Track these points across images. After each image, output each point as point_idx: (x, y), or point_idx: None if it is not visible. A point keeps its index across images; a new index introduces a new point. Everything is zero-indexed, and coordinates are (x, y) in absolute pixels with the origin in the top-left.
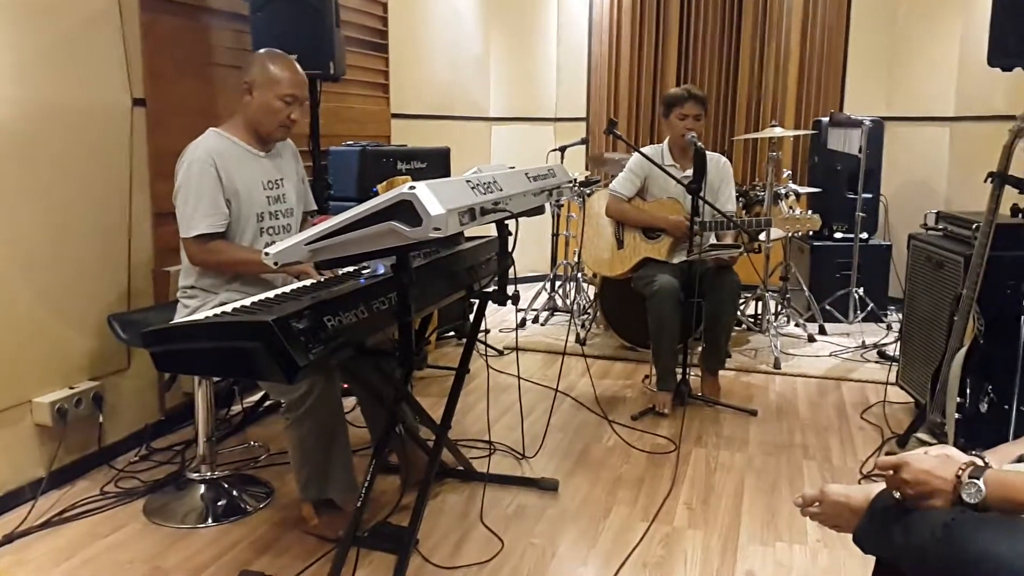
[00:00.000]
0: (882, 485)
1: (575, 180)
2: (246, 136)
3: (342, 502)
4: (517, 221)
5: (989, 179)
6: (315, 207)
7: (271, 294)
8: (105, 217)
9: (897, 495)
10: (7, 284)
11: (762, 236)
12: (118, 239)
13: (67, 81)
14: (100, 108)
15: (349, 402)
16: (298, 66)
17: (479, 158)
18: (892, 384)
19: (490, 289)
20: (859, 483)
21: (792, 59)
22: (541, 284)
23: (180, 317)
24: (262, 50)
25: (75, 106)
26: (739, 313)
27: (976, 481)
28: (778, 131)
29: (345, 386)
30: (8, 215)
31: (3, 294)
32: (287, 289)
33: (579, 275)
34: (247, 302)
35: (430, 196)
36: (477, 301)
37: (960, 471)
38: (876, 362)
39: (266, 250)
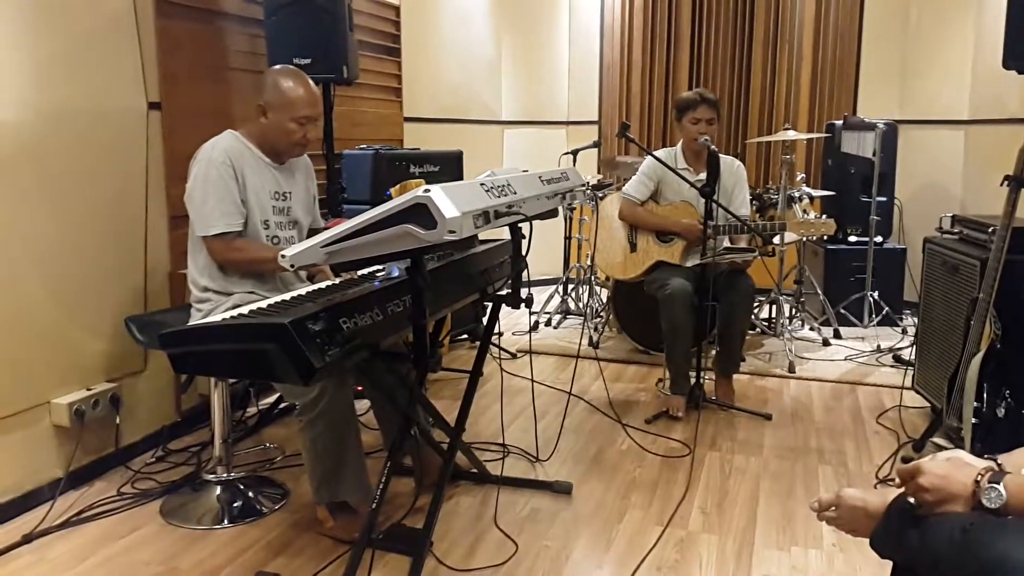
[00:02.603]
0: (899, 489)
1: (588, 183)
2: (261, 147)
3: (356, 504)
4: (531, 224)
5: (1005, 182)
6: (322, 225)
7: (287, 296)
8: (121, 220)
9: (912, 500)
10: (25, 286)
11: (776, 239)
12: (134, 241)
13: (83, 85)
14: (116, 112)
15: (363, 405)
16: (312, 83)
17: (491, 161)
18: (908, 388)
19: (503, 292)
20: (875, 488)
21: (805, 62)
22: (554, 287)
23: (195, 321)
24: (276, 67)
25: (91, 110)
26: (753, 317)
27: (996, 486)
28: (791, 134)
29: (359, 388)
30: (25, 218)
31: (21, 296)
32: (303, 291)
33: (592, 278)
34: (263, 304)
35: (445, 199)
36: (491, 304)
37: (979, 476)
38: (891, 366)
39: (283, 252)
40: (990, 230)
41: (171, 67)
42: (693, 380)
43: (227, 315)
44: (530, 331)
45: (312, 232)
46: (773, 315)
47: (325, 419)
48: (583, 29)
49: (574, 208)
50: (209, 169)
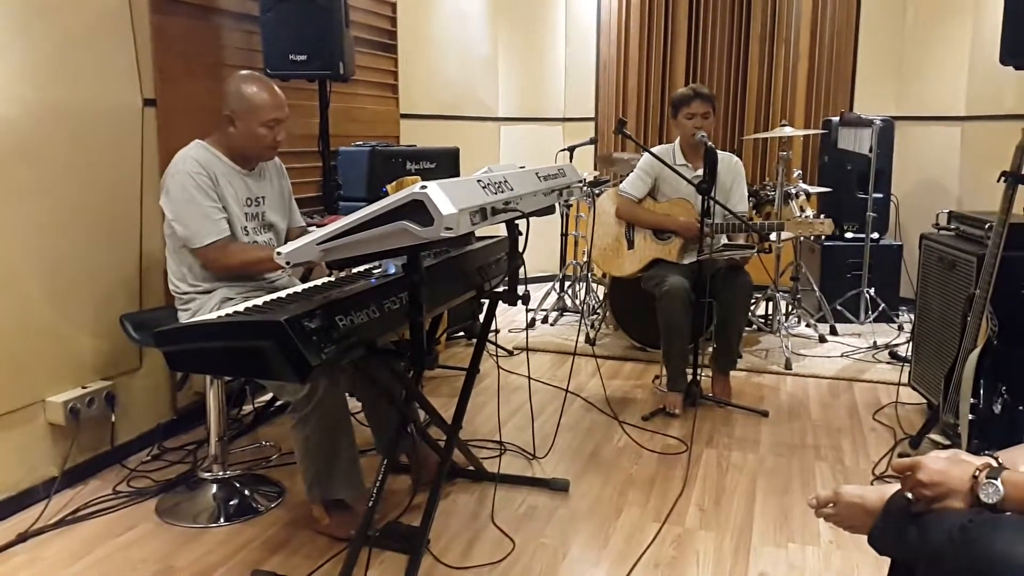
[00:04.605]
0: (897, 486)
1: (584, 180)
2: (230, 154)
3: (350, 501)
4: (528, 221)
5: (1001, 178)
6: (302, 224)
7: (282, 293)
8: (116, 217)
9: (910, 496)
10: (20, 284)
11: (772, 235)
12: (129, 239)
13: (78, 81)
14: (111, 108)
15: (356, 404)
16: (275, 87)
17: (488, 158)
18: (904, 385)
19: (500, 289)
20: (872, 484)
21: (802, 58)
22: (551, 284)
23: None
24: (238, 74)
25: (86, 106)
26: (750, 313)
27: (994, 481)
28: (788, 131)
29: None
30: (20, 215)
31: (16, 294)
32: (298, 288)
33: (589, 275)
34: (259, 301)
35: (442, 195)
36: (487, 301)
37: (977, 471)
38: (888, 363)
39: (278, 249)
40: (987, 226)
41: (166, 64)
42: (690, 377)
43: (222, 312)
44: (527, 328)
45: (292, 231)
46: (770, 312)
47: (317, 416)
48: (579, 25)
49: (571, 205)
50: (185, 181)
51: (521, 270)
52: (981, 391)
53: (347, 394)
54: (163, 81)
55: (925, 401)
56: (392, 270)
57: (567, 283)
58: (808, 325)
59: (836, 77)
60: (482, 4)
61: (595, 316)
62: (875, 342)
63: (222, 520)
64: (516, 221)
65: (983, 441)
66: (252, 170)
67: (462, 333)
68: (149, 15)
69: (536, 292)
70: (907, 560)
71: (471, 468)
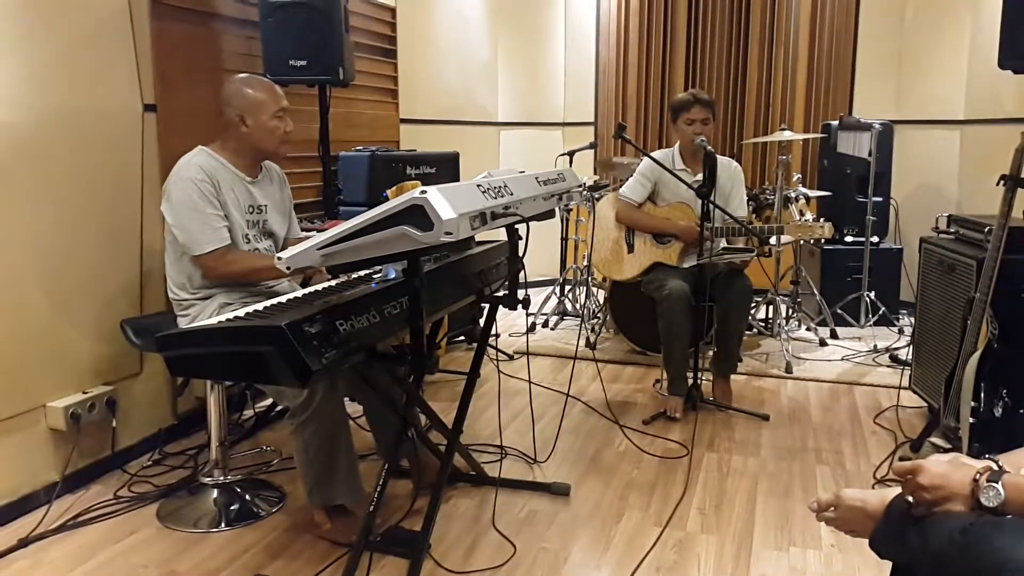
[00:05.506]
0: (898, 489)
1: (584, 184)
2: (236, 161)
3: (350, 506)
4: (528, 225)
5: (1001, 182)
6: (300, 235)
7: (283, 299)
8: (117, 222)
9: (911, 499)
10: (21, 289)
11: (772, 239)
12: (130, 244)
13: (78, 86)
14: (111, 113)
15: (357, 408)
16: (273, 83)
17: (488, 163)
18: (905, 388)
19: (500, 293)
20: (873, 488)
21: (801, 62)
22: (551, 288)
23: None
24: (235, 78)
25: (87, 111)
26: (750, 317)
27: (995, 485)
28: (787, 134)
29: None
30: (21, 220)
31: (17, 299)
32: (299, 293)
33: (589, 279)
34: (259, 306)
35: (441, 200)
36: (487, 305)
37: (978, 475)
38: (888, 366)
39: (279, 255)
40: (986, 230)
41: (166, 69)
42: (691, 381)
43: (223, 317)
44: (527, 332)
45: (288, 241)
46: (770, 315)
47: (315, 422)
48: (579, 30)
49: (571, 209)
50: (188, 188)
51: (521, 274)
52: (982, 394)
53: (348, 398)
54: (163, 86)
55: (926, 404)
56: (392, 275)
57: (567, 287)
58: (808, 329)
59: (835, 81)
60: (482, 9)
61: (595, 320)
62: (875, 346)
63: (223, 525)
64: (516, 225)
65: (984, 444)
66: (256, 177)
67: (462, 337)
68: (149, 21)
69: (536, 296)
70: (908, 563)
71: (472, 472)
